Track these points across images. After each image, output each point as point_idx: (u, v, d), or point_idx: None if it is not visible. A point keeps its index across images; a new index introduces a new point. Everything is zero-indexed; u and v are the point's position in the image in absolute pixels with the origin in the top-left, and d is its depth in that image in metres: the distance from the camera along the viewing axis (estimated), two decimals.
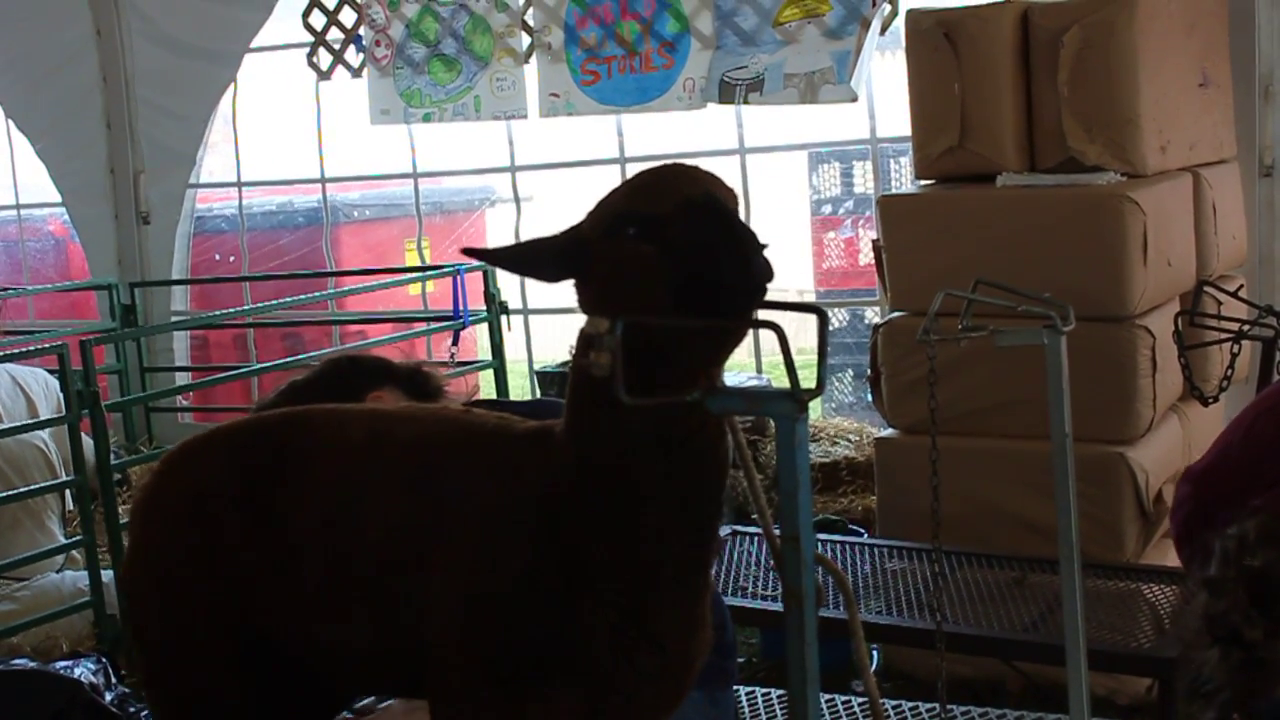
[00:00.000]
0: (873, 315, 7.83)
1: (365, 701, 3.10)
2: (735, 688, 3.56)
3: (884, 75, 6.81)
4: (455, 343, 7.02)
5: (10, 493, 5.61)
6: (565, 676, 2.22)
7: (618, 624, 2.20)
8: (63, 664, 4.68)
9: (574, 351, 2.21)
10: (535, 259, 2.21)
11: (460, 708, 2.31)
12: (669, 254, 2.03)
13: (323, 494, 2.43)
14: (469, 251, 2.26)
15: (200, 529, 2.51)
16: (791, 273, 10.34)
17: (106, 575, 5.33)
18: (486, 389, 7.54)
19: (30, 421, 5.77)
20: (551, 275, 2.19)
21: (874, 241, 5.35)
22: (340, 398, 2.89)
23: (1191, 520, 3.21)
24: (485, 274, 7.09)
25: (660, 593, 2.21)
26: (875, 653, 4.90)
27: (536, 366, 7.70)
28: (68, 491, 6.15)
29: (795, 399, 1.90)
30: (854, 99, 6.11)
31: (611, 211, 2.12)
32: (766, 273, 2.01)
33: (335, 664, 2.59)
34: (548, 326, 8.12)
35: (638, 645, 2.22)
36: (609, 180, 7.31)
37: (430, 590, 2.29)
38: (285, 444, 2.52)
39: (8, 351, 6.61)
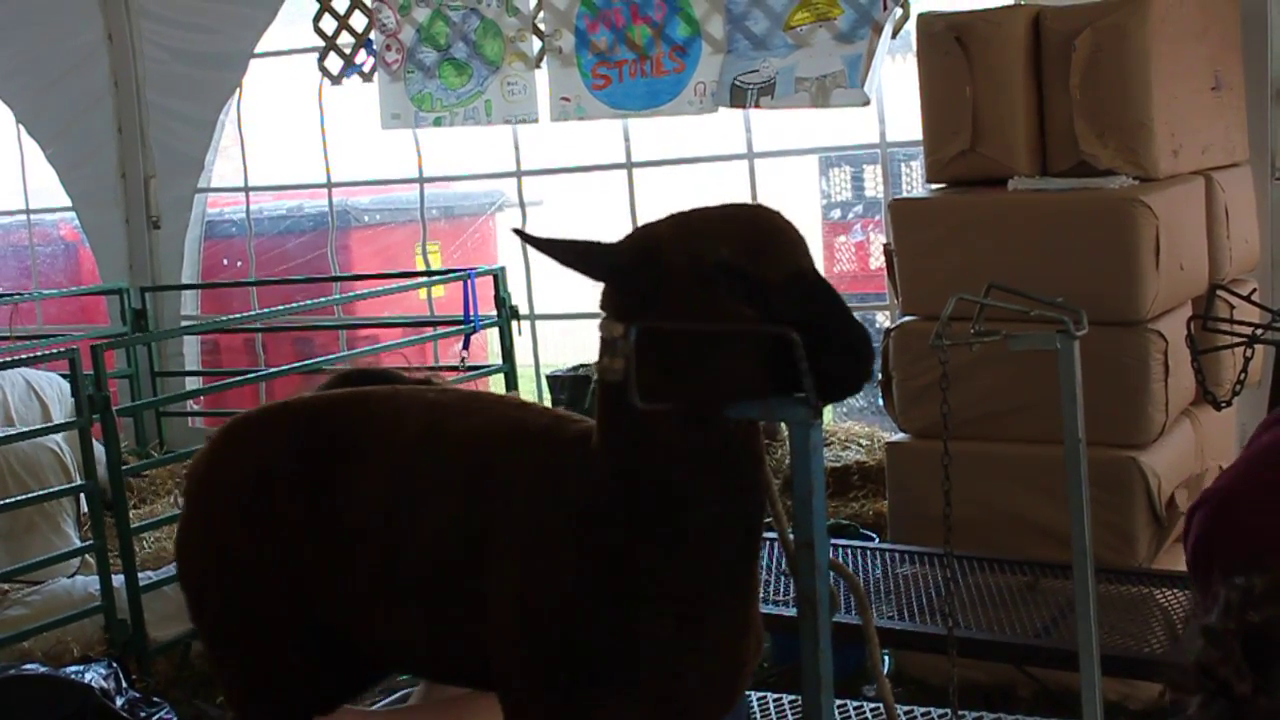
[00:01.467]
0: (883, 319, 7.81)
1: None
2: (748, 693, 3.56)
3: (895, 79, 6.80)
4: (465, 347, 7.01)
5: (21, 496, 5.63)
6: (624, 685, 2.21)
7: (673, 631, 2.19)
8: (74, 669, 4.69)
9: (599, 358, 2.18)
10: (597, 267, 2.13)
11: (525, 717, 2.32)
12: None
13: (378, 487, 2.45)
14: (520, 234, 2.19)
15: (260, 507, 2.54)
16: None
17: (118, 580, 5.34)
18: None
19: (40, 426, 5.77)
20: (614, 285, 2.13)
21: (885, 245, 5.34)
22: None
23: (1206, 547, 3.13)
24: (495, 278, 7.09)
25: (712, 598, 2.20)
26: (887, 658, 4.89)
27: (545, 371, 7.70)
28: (83, 495, 6.16)
29: (810, 405, 1.90)
30: (866, 103, 6.10)
31: (712, 259, 2.03)
32: (872, 368, 2.00)
33: (390, 656, 2.61)
34: (556, 331, 8.12)
35: (693, 651, 2.21)
36: (618, 184, 7.32)
37: (485, 594, 2.29)
38: (343, 430, 2.53)
39: (19, 356, 6.61)
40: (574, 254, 2.12)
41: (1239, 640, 1.86)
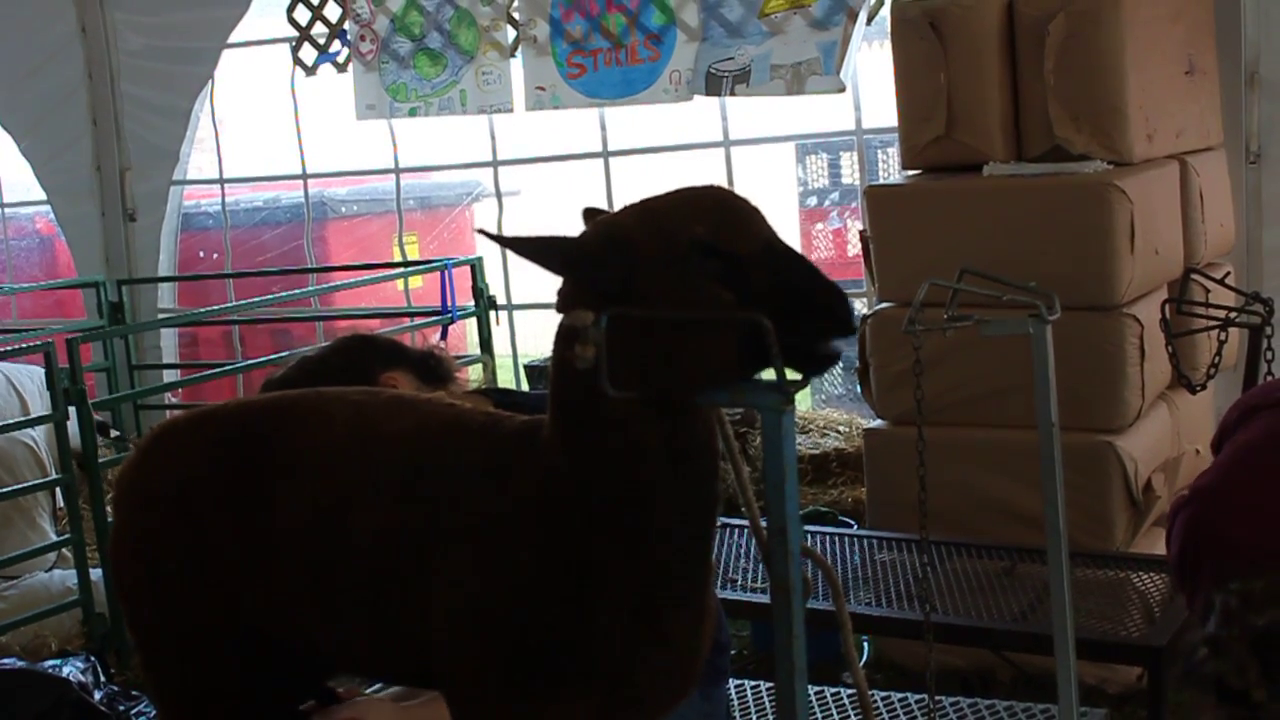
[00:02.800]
0: (861, 306, 7.83)
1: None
2: (728, 680, 3.56)
3: (871, 66, 6.80)
4: (443, 338, 7.00)
5: None
6: (580, 679, 2.20)
7: (629, 623, 2.18)
8: (51, 663, 4.68)
9: (555, 349, 2.14)
10: (564, 259, 2.08)
11: (476, 715, 2.31)
12: (751, 298, 1.95)
13: (308, 492, 2.41)
14: (485, 233, 2.14)
15: (186, 520, 2.50)
16: None
17: (95, 574, 5.32)
18: (476, 385, 7.53)
19: (13, 421, 5.75)
20: (584, 279, 2.07)
21: (861, 232, 5.34)
22: (353, 378, 2.86)
23: (1194, 550, 3.11)
24: (473, 269, 7.08)
25: (668, 589, 2.19)
26: (866, 644, 4.90)
27: (523, 360, 7.70)
28: (59, 490, 6.14)
29: (781, 391, 1.89)
30: (841, 90, 6.10)
31: (687, 238, 2.00)
32: (853, 321, 1.97)
33: (330, 661, 2.59)
34: (533, 321, 8.11)
35: (649, 643, 2.20)
36: (594, 173, 7.31)
37: (431, 597, 2.27)
38: (269, 435, 2.50)
39: None
40: (540, 249, 2.07)
41: (1246, 646, 1.85)
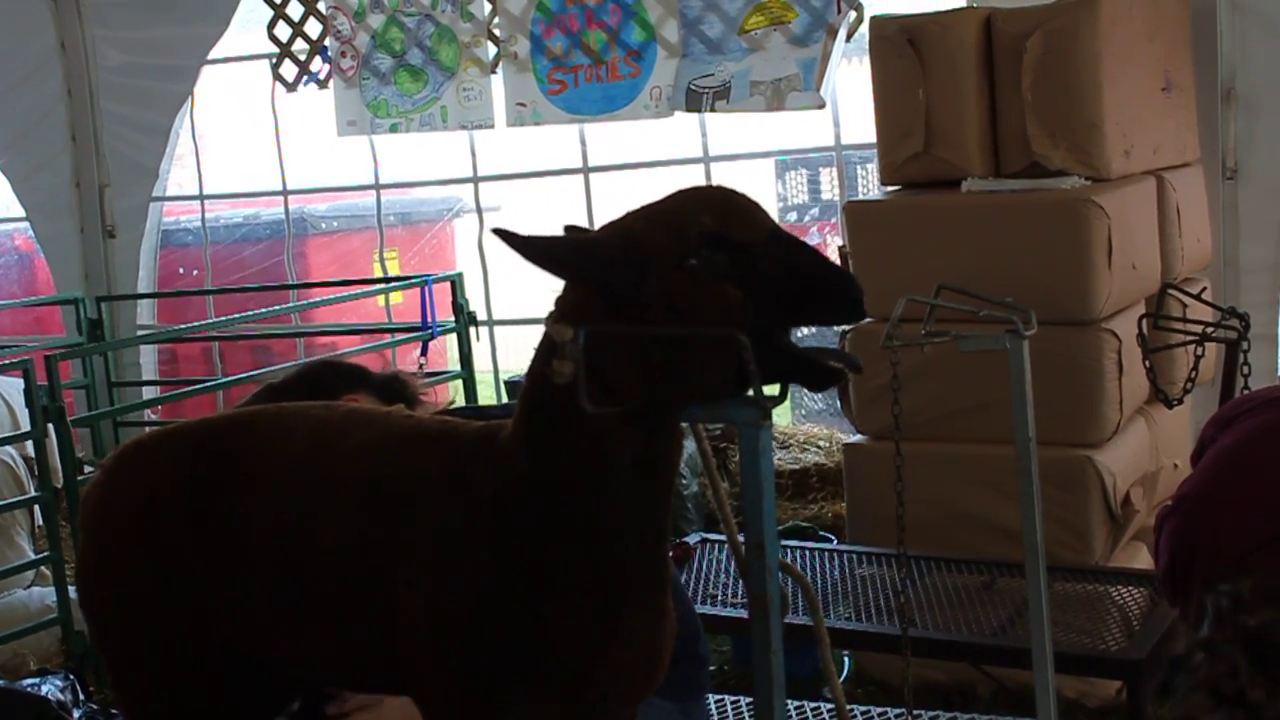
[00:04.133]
0: None
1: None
2: (707, 695, 3.56)
3: (850, 82, 6.82)
4: (423, 353, 7.00)
5: None
6: (541, 680, 2.22)
7: (589, 624, 2.20)
8: (30, 681, 4.67)
9: (535, 358, 2.16)
10: (581, 260, 2.08)
11: (443, 717, 2.32)
12: (761, 286, 1.99)
13: (270, 508, 2.43)
14: (499, 232, 2.07)
15: (151, 537, 2.52)
16: None
17: (74, 592, 5.29)
18: (455, 400, 7.52)
19: None
20: (592, 280, 2.06)
21: (840, 248, 5.36)
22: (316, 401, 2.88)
23: (1184, 556, 3.11)
24: (453, 285, 7.07)
25: (626, 591, 2.21)
26: (846, 659, 4.90)
27: (504, 376, 7.69)
28: (37, 507, 6.11)
29: (759, 406, 1.90)
30: (820, 106, 6.12)
31: (696, 230, 2.00)
32: (862, 300, 2.03)
33: (298, 672, 2.60)
34: (514, 337, 8.11)
35: (610, 643, 2.22)
36: (574, 189, 7.32)
37: (395, 604, 2.28)
38: (231, 451, 2.51)
39: None
40: (552, 250, 2.06)
41: (1239, 648, 1.85)
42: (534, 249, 2.05)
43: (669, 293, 2.01)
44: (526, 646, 2.20)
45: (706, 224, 2.01)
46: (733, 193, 2.10)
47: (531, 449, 2.16)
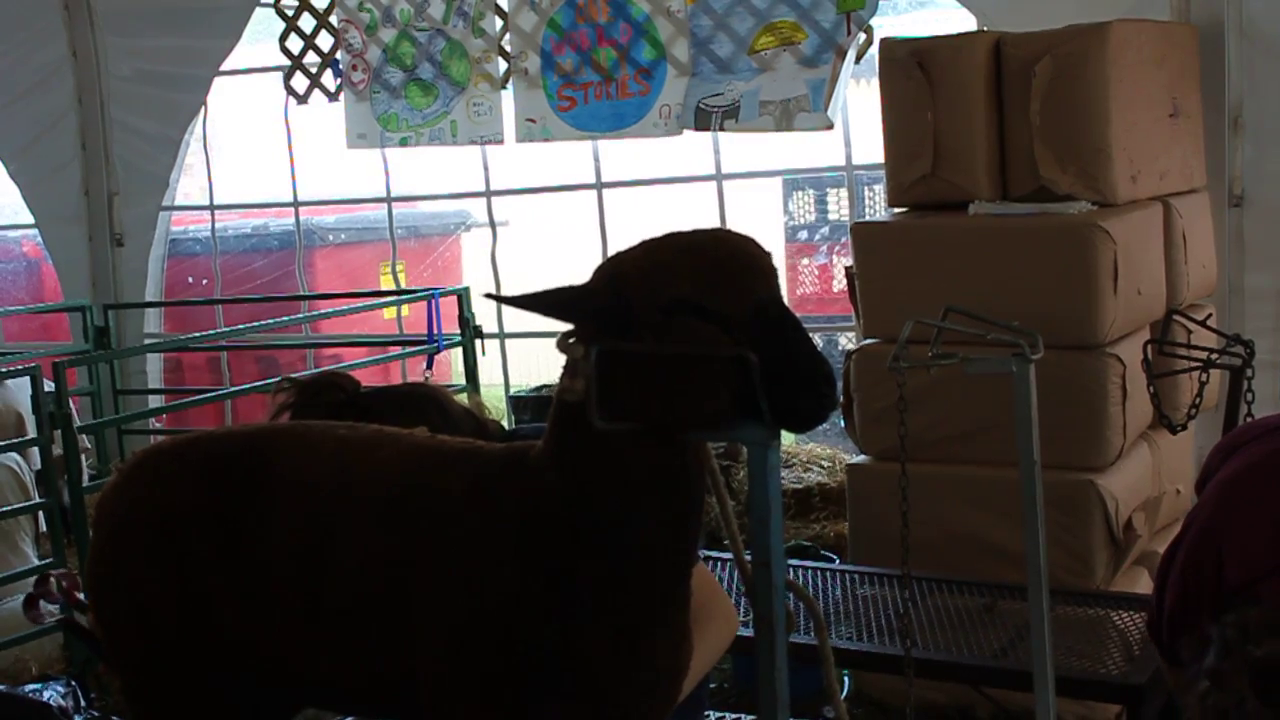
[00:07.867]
0: (846, 342, 7.86)
1: None
2: (707, 713, 3.57)
3: (859, 103, 6.84)
4: (429, 366, 7.01)
5: None
6: (564, 698, 2.22)
7: (612, 643, 2.20)
8: (32, 687, 4.67)
9: (561, 377, 2.20)
10: (568, 312, 2.15)
11: None
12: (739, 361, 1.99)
13: (292, 524, 2.43)
14: (492, 297, 2.23)
15: (169, 547, 2.51)
16: None
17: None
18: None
19: None
20: (585, 327, 2.14)
21: (847, 268, 5.37)
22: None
23: (1195, 586, 3.06)
24: (460, 298, 7.09)
25: (651, 610, 2.22)
26: (846, 678, 4.90)
27: (512, 391, 7.70)
28: (41, 513, 6.12)
29: (767, 426, 1.92)
30: (829, 127, 6.14)
31: (670, 295, 2.04)
32: (834, 401, 2.00)
33: (314, 689, 2.60)
34: (524, 351, 8.12)
35: (632, 661, 2.23)
36: (586, 205, 7.34)
37: (414, 621, 2.28)
38: (254, 465, 2.51)
39: None
40: (545, 303, 2.13)
41: (1245, 678, 1.85)
42: (534, 303, 2.13)
43: (653, 335, 2.05)
44: (549, 662, 2.20)
45: (684, 291, 2.03)
46: (731, 256, 2.09)
47: (560, 464, 2.18)
